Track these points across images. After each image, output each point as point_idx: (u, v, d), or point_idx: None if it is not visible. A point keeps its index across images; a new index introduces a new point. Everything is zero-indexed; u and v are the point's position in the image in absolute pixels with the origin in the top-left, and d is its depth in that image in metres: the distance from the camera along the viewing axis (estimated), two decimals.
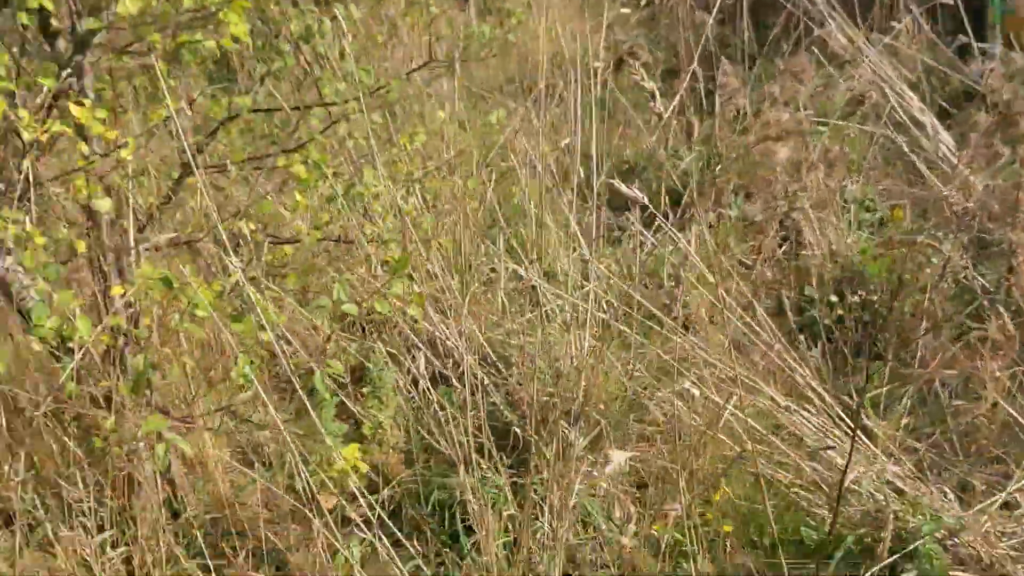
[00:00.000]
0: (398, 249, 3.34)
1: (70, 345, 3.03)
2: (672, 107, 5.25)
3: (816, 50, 5.96)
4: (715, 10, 5.29)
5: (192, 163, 2.69)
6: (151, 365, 2.52)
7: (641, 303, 3.54)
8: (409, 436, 3.68)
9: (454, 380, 3.72)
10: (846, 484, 2.93)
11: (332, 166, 3.58)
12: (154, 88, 3.47)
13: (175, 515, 3.47)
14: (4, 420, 3.31)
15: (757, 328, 3.39)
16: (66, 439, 3.07)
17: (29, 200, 3.05)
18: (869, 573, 2.85)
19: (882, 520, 2.96)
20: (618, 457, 2.45)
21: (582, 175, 4.14)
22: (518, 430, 3.42)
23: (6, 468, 3.22)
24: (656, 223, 4.38)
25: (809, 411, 3.22)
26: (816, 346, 3.89)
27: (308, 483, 3.16)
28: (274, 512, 3.49)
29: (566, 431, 3.24)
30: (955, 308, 4.12)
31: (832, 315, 4.00)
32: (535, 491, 3.14)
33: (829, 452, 3.04)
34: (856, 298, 3.99)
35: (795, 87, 5.28)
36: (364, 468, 2.64)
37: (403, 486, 3.50)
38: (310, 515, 3.13)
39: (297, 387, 2.61)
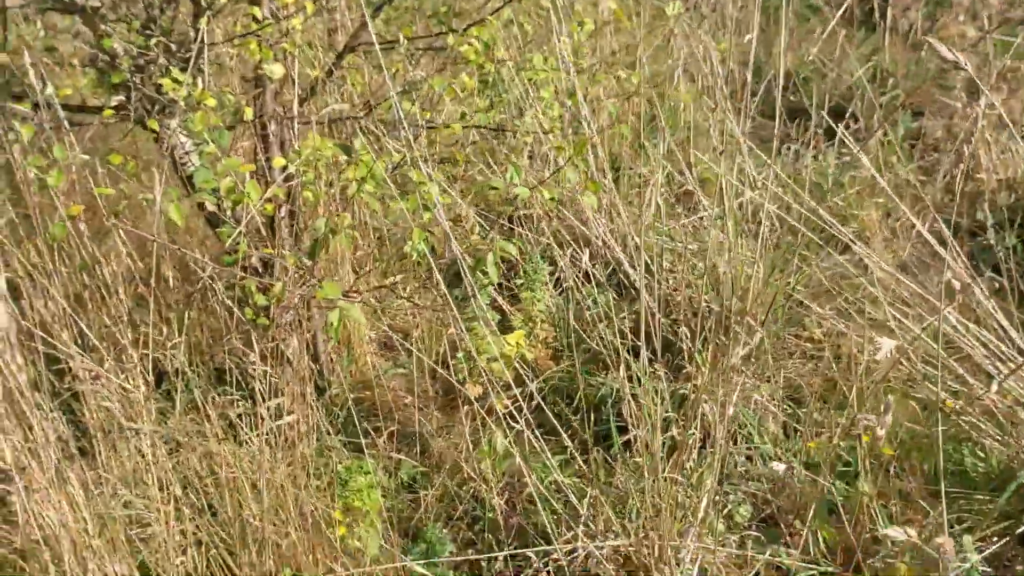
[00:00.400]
0: (563, 138, 3.23)
1: (229, 214, 3.03)
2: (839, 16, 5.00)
3: None
4: None
5: (370, 24, 2.59)
6: (331, 230, 2.47)
7: (811, 212, 3.39)
8: (558, 333, 3.61)
9: (603, 279, 3.63)
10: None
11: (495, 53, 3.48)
12: None
13: (319, 391, 3.48)
14: (169, 281, 3.34)
15: (934, 247, 3.21)
16: (228, 305, 3.07)
17: (201, 62, 3.01)
18: None
19: None
20: (888, 344, 2.31)
21: (749, 79, 3.97)
22: (684, 334, 3.31)
23: (163, 330, 3.25)
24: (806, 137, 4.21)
25: (987, 336, 3.04)
26: (986, 273, 3.70)
27: (460, 370, 3.13)
28: (419, 398, 3.47)
29: (723, 340, 3.14)
30: None
31: (1006, 242, 3.79)
32: (690, 396, 3.06)
33: (1008, 381, 2.87)
34: None
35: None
36: (530, 355, 2.56)
37: (549, 382, 3.44)
38: (459, 401, 3.10)
39: (461, 268, 2.53)
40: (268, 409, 2.72)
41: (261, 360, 2.99)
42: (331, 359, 3.54)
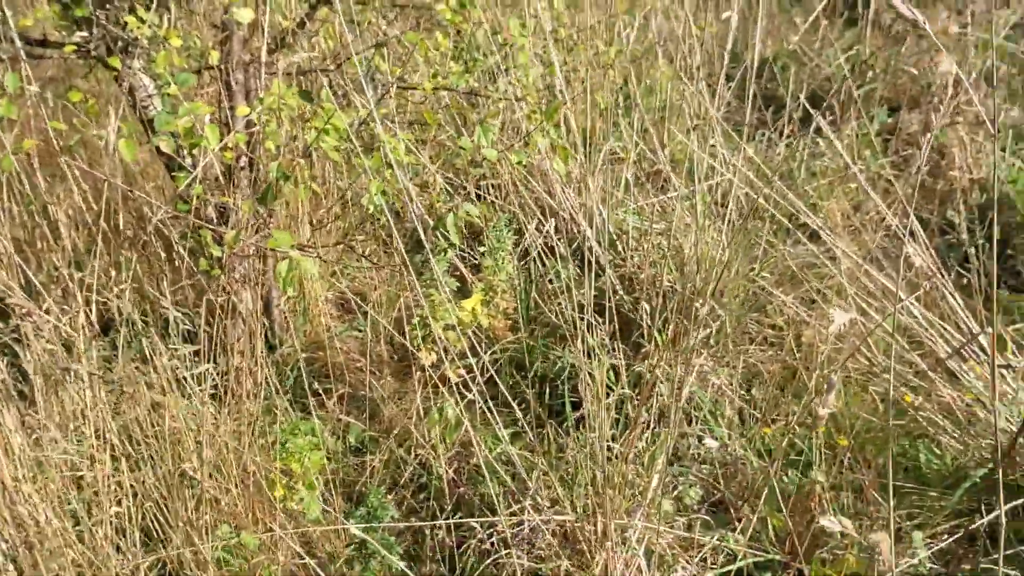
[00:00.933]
0: (536, 104, 3.15)
1: (189, 161, 2.93)
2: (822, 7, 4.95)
3: None
4: None
5: None
6: (284, 175, 2.38)
7: (781, 198, 3.34)
8: (518, 304, 3.55)
9: (565, 252, 3.58)
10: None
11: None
12: None
13: (270, 349, 3.40)
14: (120, 224, 3.24)
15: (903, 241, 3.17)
16: (180, 253, 2.98)
17: (169, 1, 2.92)
18: (993, 515, 2.67)
19: (1014, 458, 2.78)
20: (841, 317, 2.24)
21: (726, 61, 3.91)
22: (644, 311, 3.25)
23: (112, 275, 3.15)
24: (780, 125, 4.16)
25: (951, 331, 3.01)
26: (952, 272, 3.67)
27: (415, 336, 3.06)
28: (373, 362, 3.40)
29: (684, 320, 3.09)
30: None
31: (973, 241, 3.76)
32: (647, 375, 3.00)
33: (964, 369, 2.85)
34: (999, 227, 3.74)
35: None
36: (485, 321, 2.50)
37: (506, 353, 3.38)
38: (413, 367, 3.03)
39: (422, 232, 2.46)
40: (174, 353, 2.63)
41: (209, 313, 2.91)
42: (285, 317, 3.46)
